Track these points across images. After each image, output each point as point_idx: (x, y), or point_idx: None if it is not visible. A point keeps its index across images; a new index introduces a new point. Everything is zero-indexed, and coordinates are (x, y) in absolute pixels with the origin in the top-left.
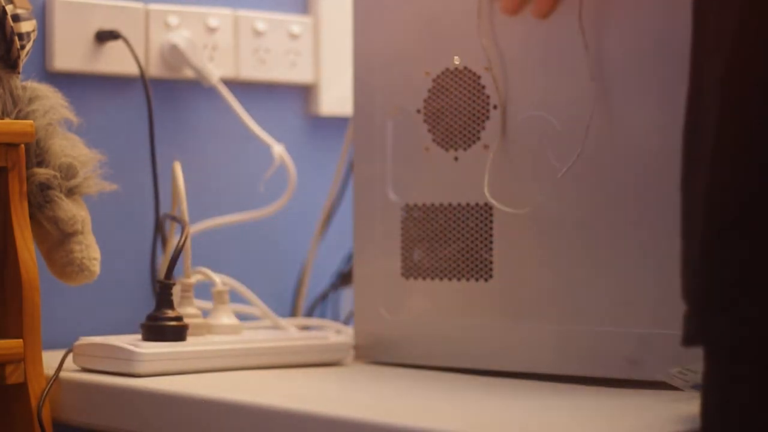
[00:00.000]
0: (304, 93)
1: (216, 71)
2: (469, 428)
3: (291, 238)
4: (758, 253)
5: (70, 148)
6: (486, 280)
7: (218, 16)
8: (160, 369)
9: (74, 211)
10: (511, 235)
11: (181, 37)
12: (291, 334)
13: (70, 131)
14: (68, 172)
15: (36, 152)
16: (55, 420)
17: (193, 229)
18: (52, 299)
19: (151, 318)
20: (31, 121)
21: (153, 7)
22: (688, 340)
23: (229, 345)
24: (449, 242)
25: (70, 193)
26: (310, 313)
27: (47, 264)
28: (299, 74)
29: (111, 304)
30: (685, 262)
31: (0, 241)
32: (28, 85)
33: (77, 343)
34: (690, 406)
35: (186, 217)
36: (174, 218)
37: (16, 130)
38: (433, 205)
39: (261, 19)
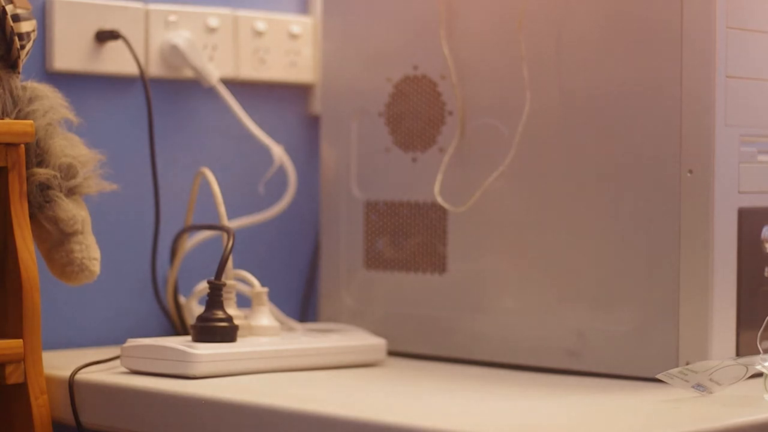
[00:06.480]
0: (304, 93)
1: (216, 71)
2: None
3: (293, 238)
4: None
5: (70, 148)
6: (440, 273)
7: (218, 16)
8: (214, 370)
9: (74, 211)
10: (463, 232)
11: (181, 37)
12: (331, 335)
13: (70, 131)
14: (68, 172)
15: (36, 152)
16: (55, 420)
17: (197, 233)
18: (52, 299)
19: (201, 319)
20: (31, 121)
21: (153, 7)
22: None
23: (278, 346)
24: (408, 237)
25: (70, 193)
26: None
27: (47, 264)
28: (299, 74)
29: (111, 304)
30: None
31: (0, 241)
32: (28, 85)
33: (125, 345)
34: (690, 406)
35: (225, 220)
36: (222, 228)
37: (16, 130)
38: (392, 202)
39: (261, 19)
